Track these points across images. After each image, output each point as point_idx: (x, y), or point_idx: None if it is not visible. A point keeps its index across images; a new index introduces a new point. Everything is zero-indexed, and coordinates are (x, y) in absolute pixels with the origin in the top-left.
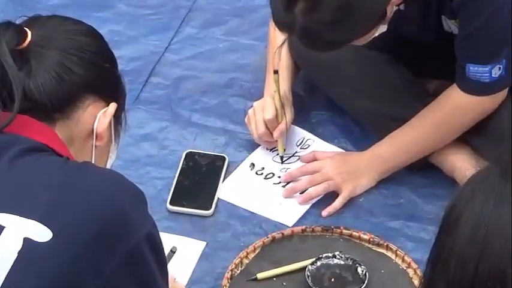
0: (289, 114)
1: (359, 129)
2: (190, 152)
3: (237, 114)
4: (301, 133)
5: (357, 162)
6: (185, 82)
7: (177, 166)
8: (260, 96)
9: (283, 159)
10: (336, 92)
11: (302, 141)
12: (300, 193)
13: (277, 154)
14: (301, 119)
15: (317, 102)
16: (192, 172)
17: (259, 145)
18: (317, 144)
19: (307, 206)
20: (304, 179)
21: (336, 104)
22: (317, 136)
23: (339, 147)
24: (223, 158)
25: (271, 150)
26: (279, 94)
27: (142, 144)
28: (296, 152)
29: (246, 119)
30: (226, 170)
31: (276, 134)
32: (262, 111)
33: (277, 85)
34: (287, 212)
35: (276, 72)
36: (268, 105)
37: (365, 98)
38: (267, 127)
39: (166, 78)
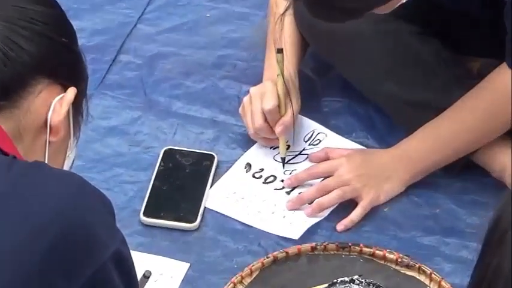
0: (295, 104)
1: (383, 120)
2: (170, 149)
3: (228, 102)
4: (310, 125)
5: (380, 161)
6: (163, 61)
7: (153, 167)
8: (258, 78)
9: (287, 160)
10: (353, 73)
11: (311, 136)
12: (309, 203)
13: (278, 153)
14: (311, 107)
15: (330, 87)
16: (171, 175)
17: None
18: (330, 139)
19: (319, 218)
20: (313, 185)
21: (353, 88)
22: (330, 129)
23: (357, 143)
24: (212, 157)
25: (272, 147)
26: (283, 78)
27: (108, 140)
28: (304, 149)
29: (240, 109)
30: (215, 172)
31: (278, 129)
32: (261, 99)
33: (281, 67)
34: (292, 224)
35: (280, 51)
36: (269, 92)
37: (390, 81)
38: (266, 120)
39: (140, 56)
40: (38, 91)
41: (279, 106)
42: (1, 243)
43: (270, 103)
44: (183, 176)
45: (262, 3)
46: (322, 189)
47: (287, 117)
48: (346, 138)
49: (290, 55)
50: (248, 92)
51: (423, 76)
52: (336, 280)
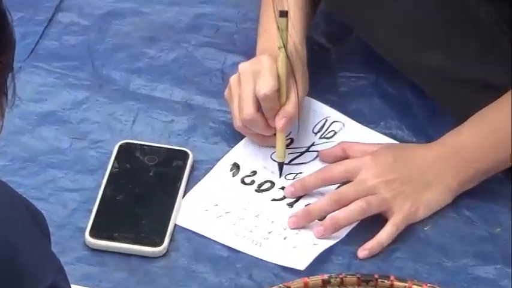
0: (301, 86)
1: (423, 105)
2: (127, 143)
3: (209, 78)
4: (321, 111)
5: (419, 162)
6: (118, 22)
7: (103, 169)
8: (249, 46)
9: (290, 160)
10: (382, 40)
11: (323, 126)
12: (320, 219)
13: (274, 152)
14: (323, 86)
15: (349, 58)
16: (129, 180)
17: None
18: (349, 131)
19: (333, 241)
20: (326, 194)
21: (382, 60)
22: (349, 116)
23: (387, 135)
24: (185, 155)
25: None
26: (286, 51)
27: (42, 131)
28: (313, 145)
29: (226, 92)
30: (189, 176)
31: (279, 124)
32: (254, 80)
33: (285, 36)
34: (296, 248)
35: (283, 14)
36: (266, 70)
37: (434, 51)
38: (259, 109)
39: (86, 14)
40: None
41: (278, 90)
42: None
43: (266, 86)
44: (145, 181)
45: None
46: (338, 200)
47: (290, 107)
48: (372, 128)
49: (295, 17)
50: (236, 67)
51: (480, 45)
52: None
